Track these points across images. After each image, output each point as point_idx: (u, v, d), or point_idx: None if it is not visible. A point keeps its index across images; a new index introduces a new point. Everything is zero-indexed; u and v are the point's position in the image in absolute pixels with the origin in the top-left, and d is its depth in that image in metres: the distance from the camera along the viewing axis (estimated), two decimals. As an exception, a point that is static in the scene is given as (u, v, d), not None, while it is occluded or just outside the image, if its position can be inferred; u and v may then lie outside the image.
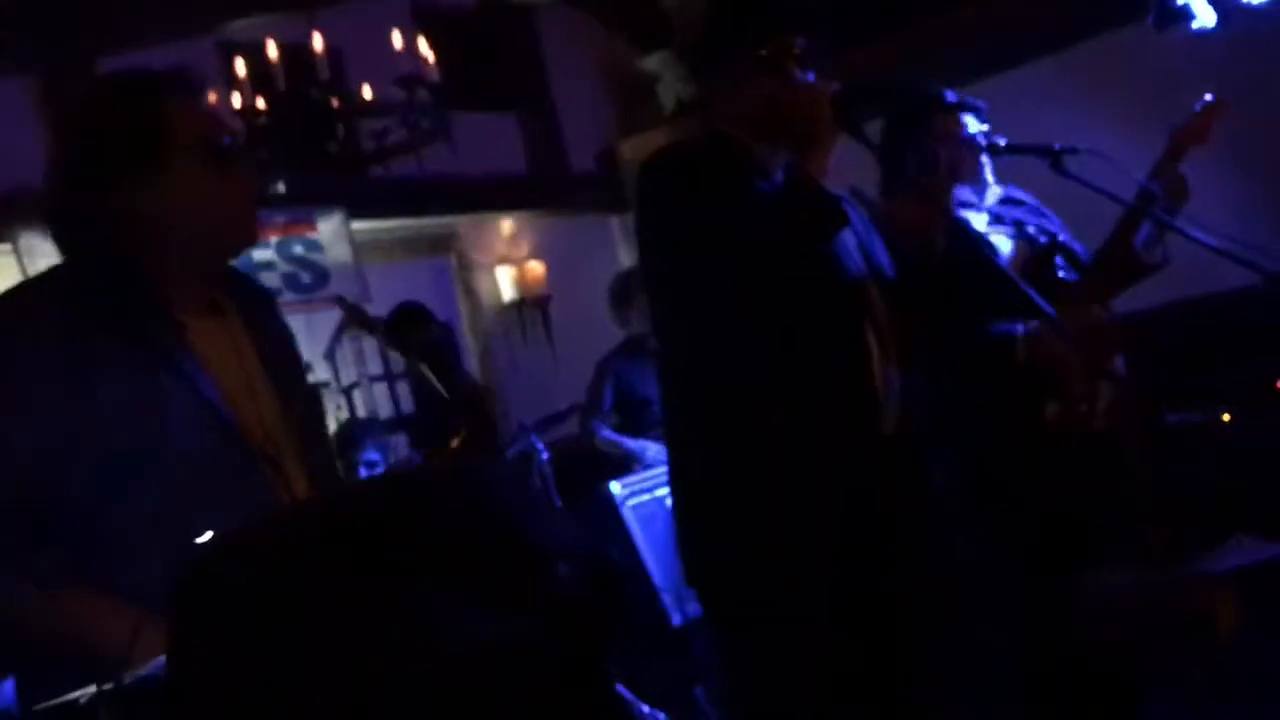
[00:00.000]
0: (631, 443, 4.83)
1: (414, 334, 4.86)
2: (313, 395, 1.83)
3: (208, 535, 1.06)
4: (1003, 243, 3.03)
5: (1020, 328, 2.86)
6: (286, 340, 1.79)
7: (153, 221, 1.57)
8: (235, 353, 1.66)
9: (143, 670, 1.02)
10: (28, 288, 1.64)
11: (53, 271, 1.61)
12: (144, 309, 1.56)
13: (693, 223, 2.13)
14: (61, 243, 1.61)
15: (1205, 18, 3.26)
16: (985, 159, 2.91)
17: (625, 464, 4.79)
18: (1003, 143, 2.96)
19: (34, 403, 1.45)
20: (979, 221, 3.06)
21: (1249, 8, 3.31)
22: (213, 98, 4.23)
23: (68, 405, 1.45)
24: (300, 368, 1.81)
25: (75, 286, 1.55)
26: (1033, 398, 2.86)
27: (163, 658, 0.98)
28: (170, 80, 1.63)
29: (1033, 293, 2.09)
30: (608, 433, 4.92)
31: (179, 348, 1.56)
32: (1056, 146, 2.86)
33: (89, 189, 1.56)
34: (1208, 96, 3.04)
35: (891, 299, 2.29)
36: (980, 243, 2.92)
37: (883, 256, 2.38)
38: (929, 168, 2.26)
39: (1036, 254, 3.04)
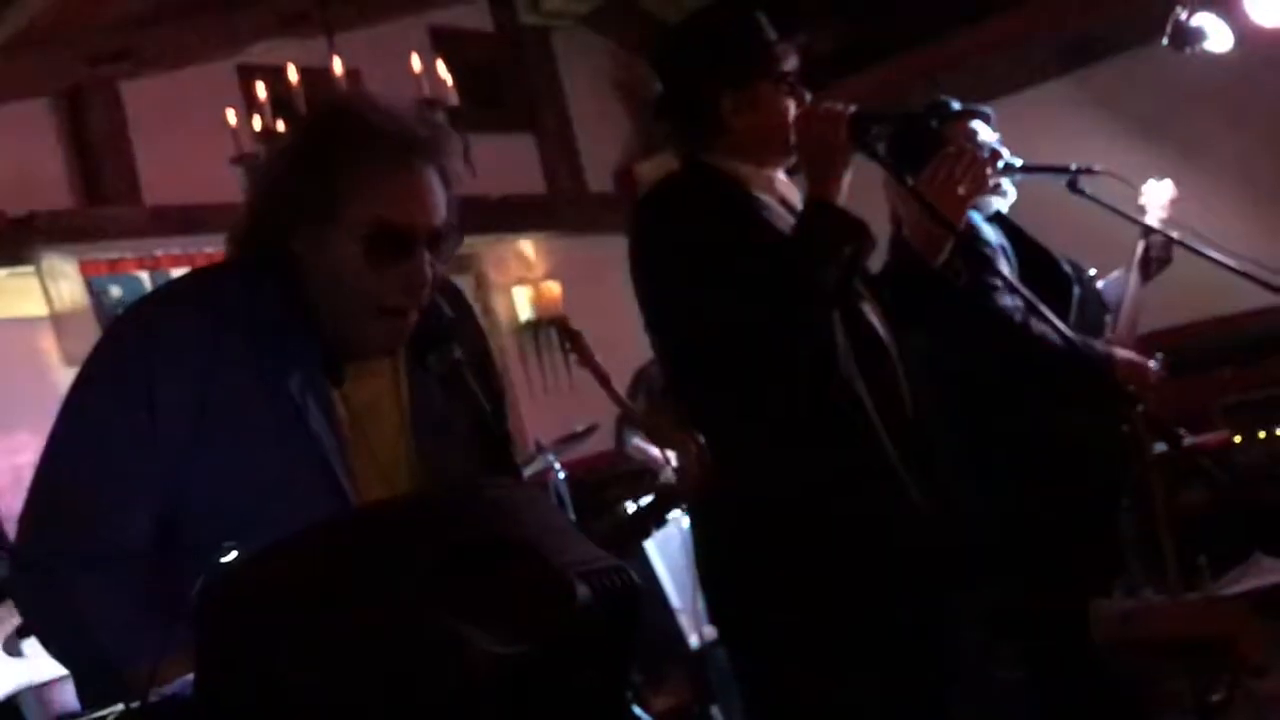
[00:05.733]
0: (657, 451, 4.84)
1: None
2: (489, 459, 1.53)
3: (233, 553, 1.07)
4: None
5: (1110, 349, 2.91)
6: (452, 394, 1.52)
7: (310, 274, 1.47)
8: (393, 408, 1.53)
9: (168, 689, 1.04)
10: (199, 290, 1.52)
11: (231, 274, 1.51)
12: (304, 348, 1.47)
13: (692, 251, 2.12)
14: (242, 253, 1.53)
15: (1220, 39, 3.26)
16: (1000, 167, 2.93)
17: (645, 478, 4.79)
18: (1019, 162, 2.97)
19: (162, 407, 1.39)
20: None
21: (1264, 29, 3.31)
22: (233, 120, 4.29)
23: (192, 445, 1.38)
24: (475, 423, 1.51)
25: (248, 301, 1.46)
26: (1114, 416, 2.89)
27: (189, 676, 0.99)
28: (380, 138, 1.44)
29: (1061, 325, 2.10)
30: (637, 440, 4.94)
31: (322, 402, 1.46)
32: (1073, 166, 2.87)
33: (275, 225, 1.48)
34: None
35: (879, 299, 2.28)
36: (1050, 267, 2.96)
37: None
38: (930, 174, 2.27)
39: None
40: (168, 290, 1.57)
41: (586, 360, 4.02)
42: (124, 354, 1.44)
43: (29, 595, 1.43)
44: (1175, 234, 3.00)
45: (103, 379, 1.45)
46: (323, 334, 1.48)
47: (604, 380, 3.96)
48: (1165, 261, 3.13)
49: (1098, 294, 3.23)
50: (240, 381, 1.42)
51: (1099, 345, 2.96)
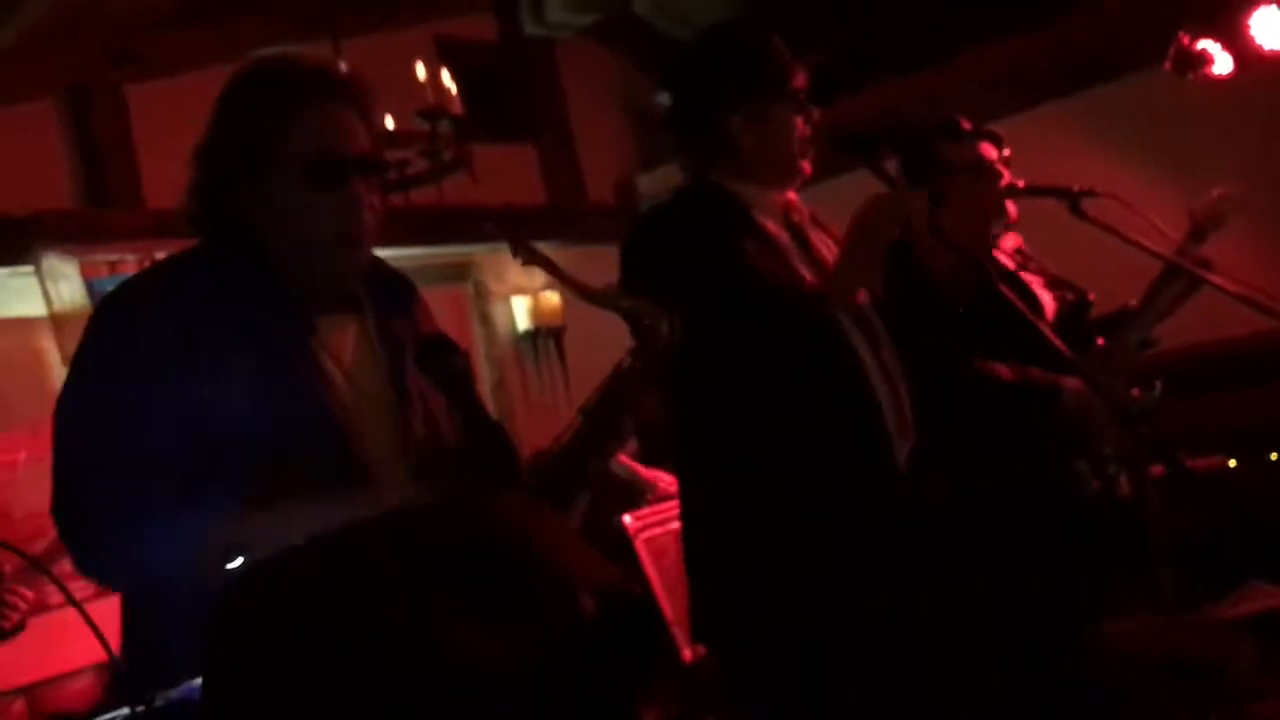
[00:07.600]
0: (647, 472, 4.82)
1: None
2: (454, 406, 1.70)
3: (239, 561, 1.07)
4: (1044, 295, 3.04)
5: (1065, 380, 2.88)
6: (418, 343, 1.71)
7: (261, 228, 1.60)
8: (369, 355, 1.66)
9: (175, 693, 1.04)
10: (168, 265, 1.63)
11: (195, 251, 1.63)
12: (274, 303, 1.58)
13: (694, 272, 2.12)
14: (200, 232, 1.64)
15: (1221, 63, 3.29)
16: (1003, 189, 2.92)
17: (637, 492, 4.77)
18: (1021, 184, 2.97)
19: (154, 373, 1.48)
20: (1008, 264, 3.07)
21: (1265, 53, 3.33)
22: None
23: (186, 385, 1.47)
24: (434, 372, 1.68)
25: (213, 270, 1.58)
26: (1064, 452, 2.86)
27: (196, 681, 0.99)
28: (301, 83, 1.61)
29: (1067, 350, 2.10)
30: (623, 458, 4.92)
31: (303, 348, 1.57)
32: (1075, 189, 2.87)
33: (218, 188, 1.60)
34: (1221, 190, 3.08)
35: (895, 327, 2.28)
36: (1023, 292, 2.93)
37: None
38: (945, 202, 2.26)
39: (1068, 311, 3.06)
40: (142, 284, 1.63)
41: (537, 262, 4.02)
42: (111, 338, 1.54)
43: (91, 544, 1.47)
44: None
45: (97, 356, 1.54)
46: (291, 289, 1.60)
47: (554, 271, 3.97)
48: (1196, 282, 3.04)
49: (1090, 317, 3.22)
50: (225, 348, 1.51)
51: (1040, 377, 2.90)
